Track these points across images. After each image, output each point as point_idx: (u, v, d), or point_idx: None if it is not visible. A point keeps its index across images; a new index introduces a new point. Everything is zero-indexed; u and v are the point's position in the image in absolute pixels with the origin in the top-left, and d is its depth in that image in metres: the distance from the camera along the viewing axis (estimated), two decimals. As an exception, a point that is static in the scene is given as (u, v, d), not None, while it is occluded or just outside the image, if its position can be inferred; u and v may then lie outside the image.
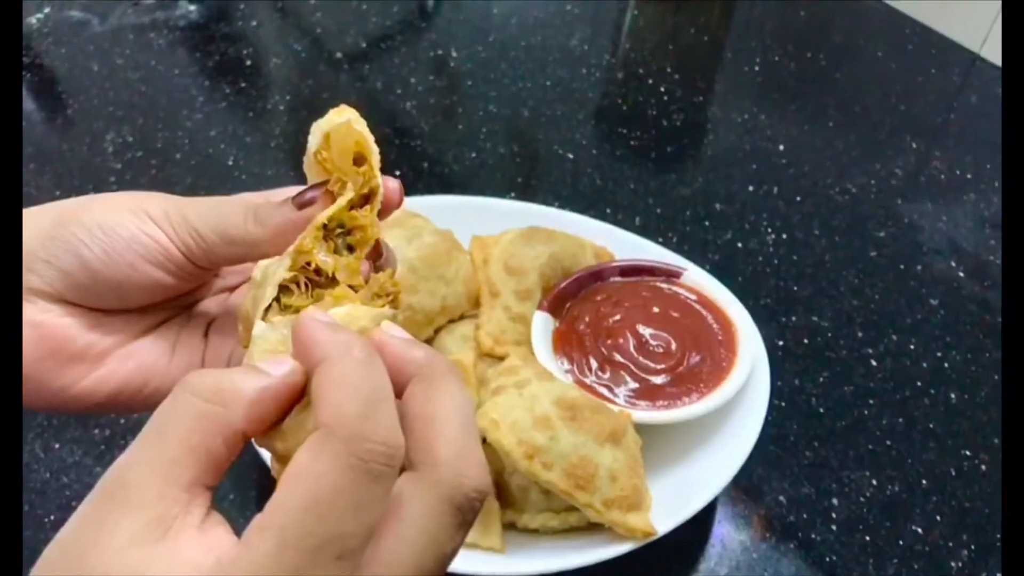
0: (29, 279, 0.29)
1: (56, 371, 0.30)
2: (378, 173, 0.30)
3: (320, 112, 0.31)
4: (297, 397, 0.26)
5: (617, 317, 0.61)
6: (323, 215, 0.30)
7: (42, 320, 0.30)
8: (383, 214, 0.31)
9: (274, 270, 0.29)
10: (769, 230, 0.82)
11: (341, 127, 0.30)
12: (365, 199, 0.30)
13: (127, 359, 0.32)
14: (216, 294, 0.36)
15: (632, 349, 0.59)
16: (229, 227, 0.31)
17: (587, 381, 0.58)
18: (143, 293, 0.31)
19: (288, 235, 0.31)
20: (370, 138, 0.30)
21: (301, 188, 0.32)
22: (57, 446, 0.62)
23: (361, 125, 0.30)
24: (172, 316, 0.35)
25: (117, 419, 0.64)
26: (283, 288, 0.29)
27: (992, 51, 1.04)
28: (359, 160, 0.30)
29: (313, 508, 0.21)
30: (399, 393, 0.26)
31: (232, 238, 0.31)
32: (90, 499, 0.23)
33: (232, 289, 0.37)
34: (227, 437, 0.24)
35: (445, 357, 0.27)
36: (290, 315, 0.28)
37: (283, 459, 0.26)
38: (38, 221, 0.30)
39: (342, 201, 0.30)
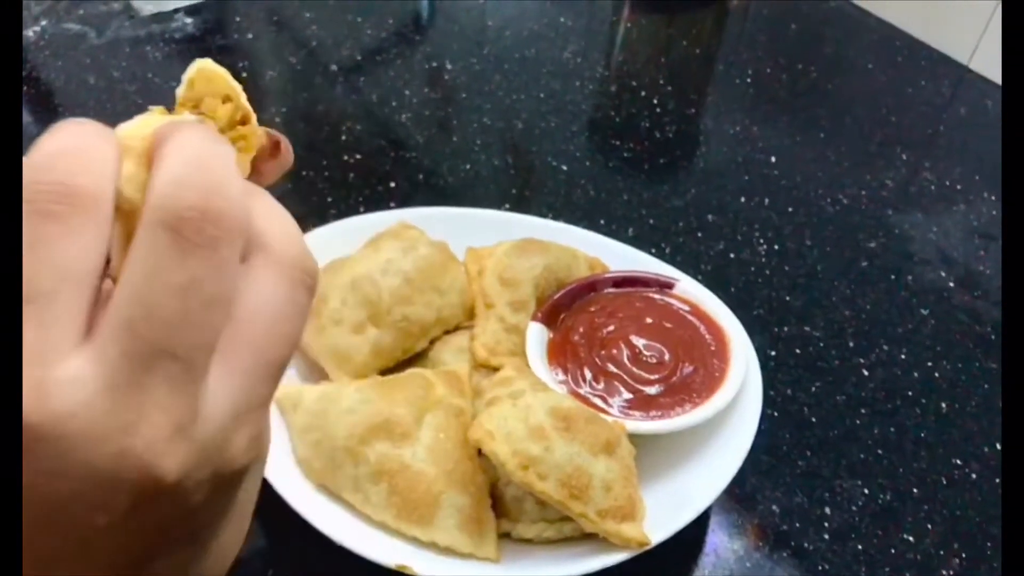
0: None
1: None
2: (245, 102, 0.31)
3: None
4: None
5: (611, 328, 0.62)
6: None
7: None
8: (279, 170, 0.31)
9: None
10: (761, 241, 0.83)
11: (203, 70, 0.31)
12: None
13: None
14: None
15: (626, 360, 0.60)
16: None
17: (581, 392, 0.59)
18: None
19: None
20: (228, 75, 0.31)
21: None
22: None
23: (216, 66, 0.31)
24: None
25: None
26: None
27: (981, 64, 1.06)
28: (226, 101, 0.31)
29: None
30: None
31: None
32: None
33: None
34: None
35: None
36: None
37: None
38: None
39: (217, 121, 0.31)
